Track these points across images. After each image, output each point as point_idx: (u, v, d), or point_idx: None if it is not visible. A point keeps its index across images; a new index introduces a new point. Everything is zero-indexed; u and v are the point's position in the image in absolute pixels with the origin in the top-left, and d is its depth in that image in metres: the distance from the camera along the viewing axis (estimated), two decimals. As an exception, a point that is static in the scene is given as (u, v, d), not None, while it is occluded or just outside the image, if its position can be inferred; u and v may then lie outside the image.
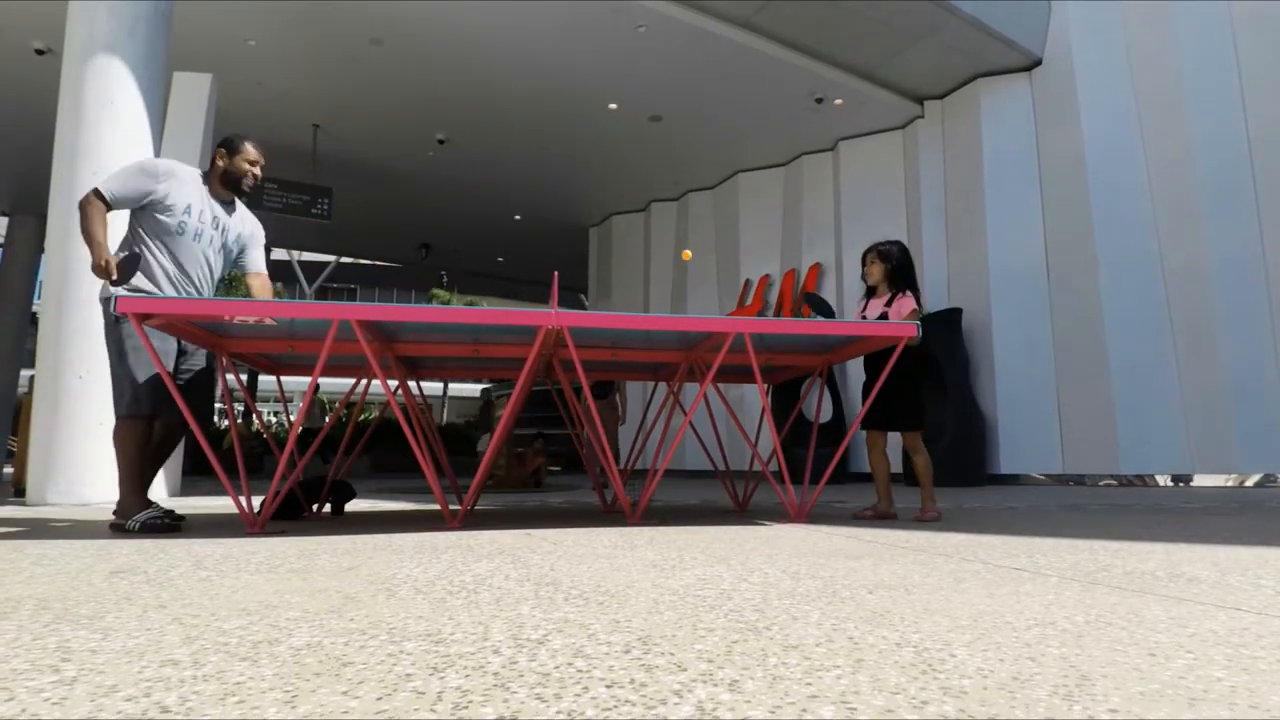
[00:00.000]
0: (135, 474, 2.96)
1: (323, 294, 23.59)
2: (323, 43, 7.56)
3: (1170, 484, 9.73)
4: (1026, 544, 2.44)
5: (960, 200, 8.61)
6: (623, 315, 3.21)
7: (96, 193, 2.94)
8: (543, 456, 7.50)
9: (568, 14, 7.01)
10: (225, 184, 3.21)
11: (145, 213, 3.04)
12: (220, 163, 3.20)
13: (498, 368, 4.36)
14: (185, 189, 3.08)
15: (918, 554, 2.17)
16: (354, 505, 4.17)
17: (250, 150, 3.22)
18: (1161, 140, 7.50)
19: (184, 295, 3.07)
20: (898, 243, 3.83)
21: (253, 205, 10.41)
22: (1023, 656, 1.04)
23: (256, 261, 3.37)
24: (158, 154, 5.09)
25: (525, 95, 8.61)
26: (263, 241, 3.42)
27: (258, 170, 3.26)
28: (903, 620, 1.28)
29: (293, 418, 3.40)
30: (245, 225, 3.32)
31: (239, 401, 13.10)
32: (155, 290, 3.00)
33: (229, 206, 3.25)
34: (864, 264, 3.83)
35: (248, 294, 3.35)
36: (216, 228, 3.17)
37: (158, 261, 3.03)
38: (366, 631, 1.18)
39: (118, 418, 3.00)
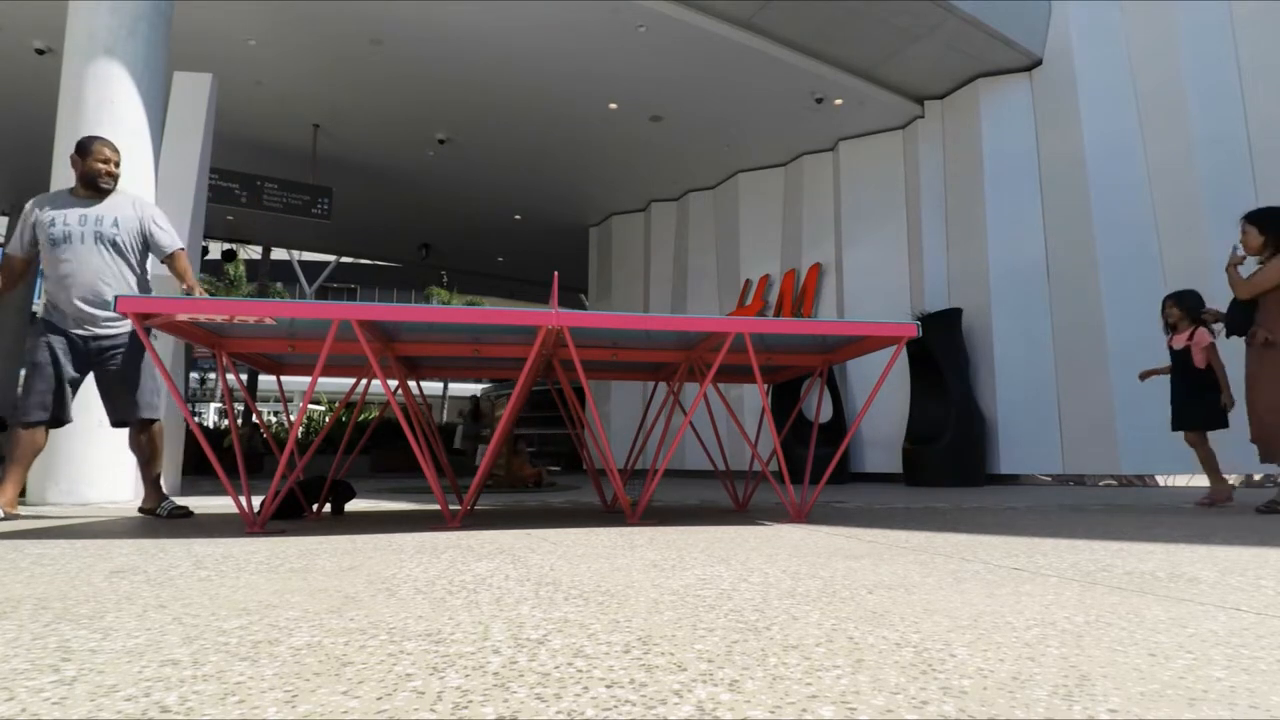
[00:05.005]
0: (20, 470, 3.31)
1: (323, 294, 23.61)
2: (323, 43, 7.56)
3: (1129, 484, 9.69)
4: (1026, 544, 2.44)
5: (960, 200, 8.61)
6: (623, 315, 3.20)
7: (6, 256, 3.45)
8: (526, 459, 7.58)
9: (568, 14, 7.02)
10: (85, 184, 3.49)
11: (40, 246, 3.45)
12: (76, 168, 3.48)
13: (498, 368, 4.36)
14: (47, 209, 3.44)
15: (918, 554, 2.17)
16: (354, 505, 4.18)
17: (101, 150, 3.49)
18: (1161, 140, 7.50)
19: (77, 302, 3.39)
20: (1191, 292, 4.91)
21: (253, 205, 10.30)
22: (1023, 656, 1.04)
23: (164, 243, 3.63)
24: (157, 154, 5.09)
25: (525, 95, 8.61)
26: (157, 219, 3.64)
27: (111, 167, 3.50)
28: (903, 620, 1.28)
29: (293, 417, 3.40)
30: (121, 209, 3.54)
31: (239, 401, 13.10)
32: (53, 312, 3.42)
33: (94, 200, 3.50)
34: (1163, 309, 4.98)
35: (181, 283, 3.66)
36: (84, 223, 3.43)
37: (48, 282, 3.41)
38: (366, 631, 1.18)
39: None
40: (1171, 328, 4.97)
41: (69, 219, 3.40)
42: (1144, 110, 7.64)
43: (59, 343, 3.33)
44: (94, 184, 3.46)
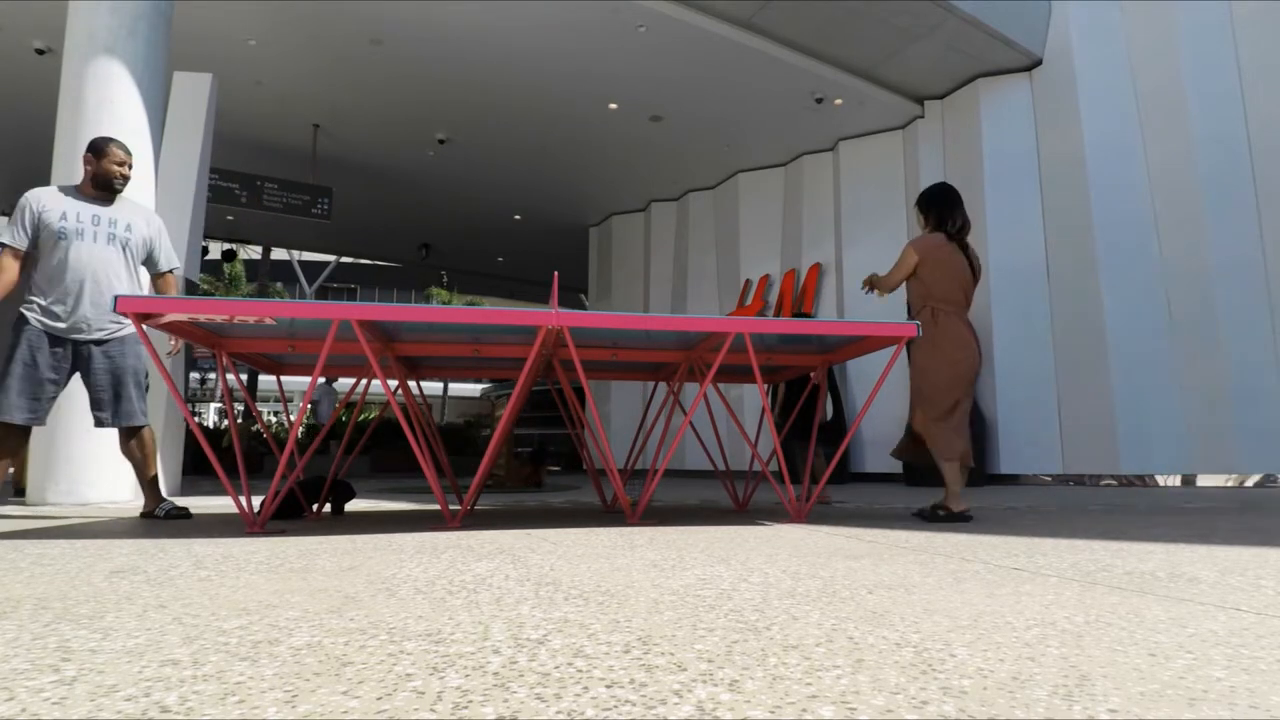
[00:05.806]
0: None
1: (323, 294, 23.61)
2: (323, 43, 7.56)
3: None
4: (1026, 544, 2.44)
5: (960, 200, 8.60)
6: (623, 315, 3.20)
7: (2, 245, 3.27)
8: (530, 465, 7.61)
9: (568, 14, 7.02)
10: (97, 186, 3.44)
11: (38, 239, 3.33)
12: (89, 167, 3.42)
13: (498, 368, 4.36)
14: (53, 201, 3.36)
15: (918, 554, 2.17)
16: (354, 505, 4.17)
17: (117, 152, 3.45)
18: (1161, 140, 7.50)
19: (83, 300, 3.33)
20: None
21: (253, 205, 10.31)
22: (1023, 656, 1.04)
23: (163, 260, 3.64)
24: (157, 154, 5.09)
25: (525, 95, 8.61)
26: (164, 235, 3.65)
27: (125, 169, 3.47)
28: (903, 620, 1.28)
29: (293, 417, 3.41)
30: (134, 217, 3.54)
31: (239, 401, 13.10)
32: (34, 312, 3.31)
33: (105, 201, 3.47)
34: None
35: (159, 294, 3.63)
36: (97, 223, 3.40)
37: (41, 276, 3.30)
38: (366, 631, 1.18)
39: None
40: None
41: (81, 215, 3.34)
42: (1144, 110, 7.64)
43: (47, 349, 3.25)
44: (108, 185, 3.43)
